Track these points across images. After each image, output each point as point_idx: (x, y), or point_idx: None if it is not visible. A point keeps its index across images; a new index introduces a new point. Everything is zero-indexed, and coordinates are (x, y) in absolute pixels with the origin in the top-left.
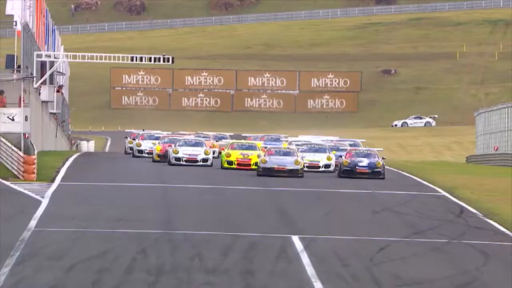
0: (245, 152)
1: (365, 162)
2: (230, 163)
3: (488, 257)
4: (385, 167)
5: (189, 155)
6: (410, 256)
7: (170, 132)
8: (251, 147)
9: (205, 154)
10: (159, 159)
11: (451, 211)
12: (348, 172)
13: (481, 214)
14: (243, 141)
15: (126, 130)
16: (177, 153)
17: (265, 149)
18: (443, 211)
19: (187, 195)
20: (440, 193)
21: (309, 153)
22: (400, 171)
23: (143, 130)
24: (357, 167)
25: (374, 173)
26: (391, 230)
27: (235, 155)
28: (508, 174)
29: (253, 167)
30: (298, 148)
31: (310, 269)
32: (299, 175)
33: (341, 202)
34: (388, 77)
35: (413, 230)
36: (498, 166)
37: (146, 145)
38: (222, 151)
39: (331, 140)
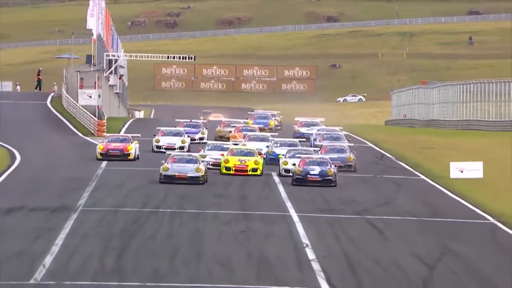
0: (242, 158)
1: (316, 170)
2: (228, 169)
3: (400, 187)
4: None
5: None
6: (347, 185)
7: (188, 120)
8: (249, 154)
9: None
10: (101, 157)
11: (375, 156)
12: (300, 180)
13: (395, 158)
14: (241, 147)
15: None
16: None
17: (171, 157)
18: (370, 156)
19: None
20: (368, 144)
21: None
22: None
23: (191, 121)
24: (308, 176)
25: (326, 181)
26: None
27: (233, 162)
28: (412, 132)
29: (250, 172)
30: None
31: (284, 195)
32: (200, 182)
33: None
34: (334, 69)
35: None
36: (406, 127)
37: (164, 141)
38: (221, 156)
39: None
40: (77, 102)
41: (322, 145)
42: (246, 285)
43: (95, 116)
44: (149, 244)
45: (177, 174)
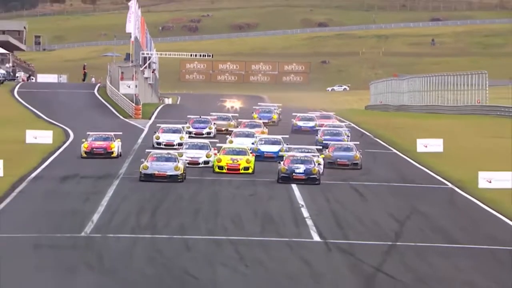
0: (234, 157)
1: (301, 168)
2: (220, 167)
3: (376, 158)
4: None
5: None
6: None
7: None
8: (241, 152)
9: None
10: (85, 155)
11: (357, 134)
12: (285, 178)
13: (373, 136)
14: (234, 146)
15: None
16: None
17: (151, 155)
18: (353, 135)
19: None
20: (351, 125)
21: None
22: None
23: (200, 117)
24: (293, 174)
25: (310, 179)
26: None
27: (225, 161)
28: (387, 116)
29: (242, 171)
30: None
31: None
32: (179, 180)
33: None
34: (325, 65)
35: None
36: (381, 111)
37: (164, 137)
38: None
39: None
40: (119, 91)
41: (324, 140)
42: (253, 237)
43: (133, 102)
44: (176, 205)
45: (157, 172)
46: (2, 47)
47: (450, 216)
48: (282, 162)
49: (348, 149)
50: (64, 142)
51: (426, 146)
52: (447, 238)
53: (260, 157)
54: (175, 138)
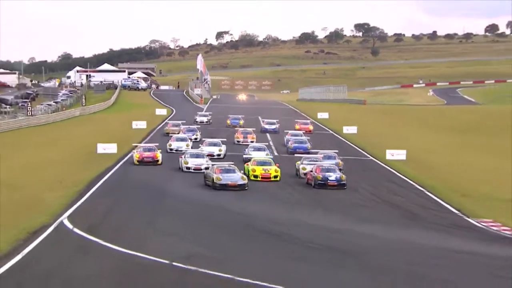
0: (265, 167)
1: (333, 176)
2: (256, 176)
3: (337, 139)
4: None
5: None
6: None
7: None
8: (268, 163)
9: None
10: (138, 163)
11: (294, 112)
12: (321, 185)
13: (300, 111)
14: (262, 158)
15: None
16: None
17: (219, 170)
18: (293, 113)
19: None
20: (290, 106)
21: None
22: (291, 107)
23: (189, 127)
24: (328, 181)
25: (341, 185)
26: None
27: (259, 171)
28: (306, 103)
29: (272, 179)
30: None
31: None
32: (246, 188)
33: None
34: (279, 82)
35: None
36: (304, 102)
37: (175, 145)
38: (246, 166)
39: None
40: (193, 92)
41: (293, 147)
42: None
43: (200, 97)
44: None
45: (230, 182)
46: (146, 74)
47: (369, 173)
48: (314, 170)
49: (333, 170)
50: (170, 114)
51: (392, 155)
52: (411, 217)
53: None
54: (182, 145)
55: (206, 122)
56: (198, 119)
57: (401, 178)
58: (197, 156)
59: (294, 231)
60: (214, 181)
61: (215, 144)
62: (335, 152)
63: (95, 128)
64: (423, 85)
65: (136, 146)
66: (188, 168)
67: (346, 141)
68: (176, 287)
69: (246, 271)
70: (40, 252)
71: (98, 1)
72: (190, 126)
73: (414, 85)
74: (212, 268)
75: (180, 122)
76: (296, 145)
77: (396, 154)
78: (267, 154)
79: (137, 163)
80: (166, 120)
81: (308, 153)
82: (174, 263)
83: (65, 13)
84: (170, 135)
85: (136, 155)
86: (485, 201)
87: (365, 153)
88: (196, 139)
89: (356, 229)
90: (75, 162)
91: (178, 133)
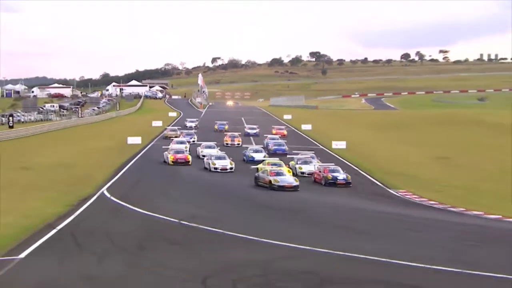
0: (276, 169)
1: (341, 176)
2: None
3: (297, 134)
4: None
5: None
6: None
7: None
8: (281, 165)
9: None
10: (172, 164)
11: (268, 115)
12: (331, 183)
13: (272, 114)
14: (275, 160)
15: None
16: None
17: (273, 173)
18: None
19: None
20: (262, 110)
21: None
22: (264, 110)
23: (187, 131)
24: (338, 180)
25: (347, 183)
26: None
27: (275, 181)
28: (276, 108)
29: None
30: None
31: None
32: (298, 189)
33: None
34: (257, 93)
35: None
36: (274, 107)
37: (173, 147)
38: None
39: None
40: (196, 100)
41: (273, 149)
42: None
43: (201, 104)
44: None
45: (287, 184)
46: (162, 87)
47: (319, 158)
48: (322, 171)
49: (338, 170)
50: (179, 115)
51: (336, 145)
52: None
53: (253, 161)
54: (181, 147)
55: (194, 127)
56: (188, 124)
57: (342, 161)
58: (219, 158)
59: (274, 201)
60: (272, 183)
61: (210, 147)
62: (312, 153)
63: (125, 126)
64: (358, 95)
65: (167, 128)
66: (215, 168)
67: (303, 135)
68: (183, 239)
69: (234, 227)
70: (88, 213)
71: (126, 36)
72: (189, 131)
73: (352, 96)
74: (210, 225)
75: (176, 127)
76: (276, 147)
77: (339, 144)
78: (264, 156)
79: (172, 163)
80: (166, 126)
81: (286, 154)
82: (181, 222)
83: (104, 44)
84: (170, 138)
85: (170, 157)
86: (400, 177)
87: (317, 143)
88: (193, 141)
89: (314, 199)
90: (112, 150)
91: (176, 137)
